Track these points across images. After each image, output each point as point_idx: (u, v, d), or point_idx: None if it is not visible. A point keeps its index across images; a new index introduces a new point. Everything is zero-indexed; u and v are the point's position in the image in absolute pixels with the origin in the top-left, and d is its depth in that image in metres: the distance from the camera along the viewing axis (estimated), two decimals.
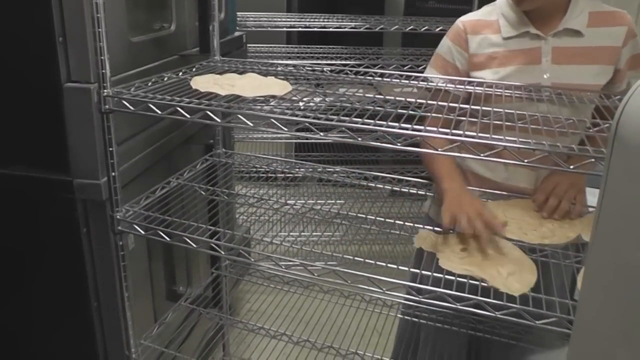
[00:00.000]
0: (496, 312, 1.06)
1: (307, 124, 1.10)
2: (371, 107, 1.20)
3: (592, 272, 0.66)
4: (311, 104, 1.24)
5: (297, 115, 1.13)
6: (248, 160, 1.92)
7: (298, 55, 3.35)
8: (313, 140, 3.44)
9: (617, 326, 0.62)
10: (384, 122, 1.06)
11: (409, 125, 1.06)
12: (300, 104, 1.25)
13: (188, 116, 1.19)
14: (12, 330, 1.75)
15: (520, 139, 1.01)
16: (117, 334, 1.62)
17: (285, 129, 1.12)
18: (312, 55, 3.33)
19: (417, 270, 1.19)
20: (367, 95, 1.31)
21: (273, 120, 1.12)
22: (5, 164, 1.51)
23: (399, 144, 1.05)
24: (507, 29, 1.50)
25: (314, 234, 1.75)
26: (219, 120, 1.18)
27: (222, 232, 1.39)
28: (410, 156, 3.22)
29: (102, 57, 1.24)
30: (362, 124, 1.07)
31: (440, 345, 1.73)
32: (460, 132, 1.03)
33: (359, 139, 1.06)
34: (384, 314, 1.90)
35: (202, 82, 1.39)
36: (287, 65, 1.67)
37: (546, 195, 1.44)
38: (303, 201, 1.57)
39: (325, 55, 3.32)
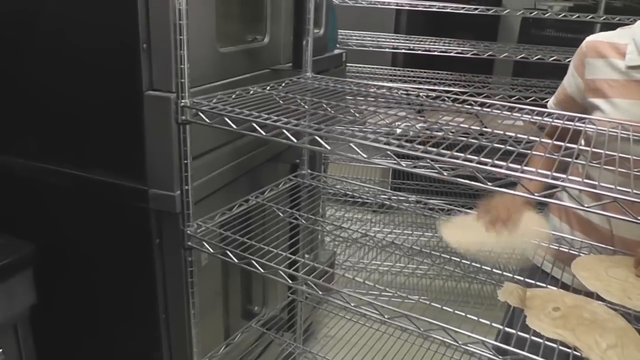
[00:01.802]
0: None
1: (389, 152, 1.00)
2: (464, 139, 1.08)
3: None
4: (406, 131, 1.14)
5: (379, 142, 1.03)
6: (334, 184, 1.84)
7: (400, 78, 3.27)
8: (409, 169, 3.33)
9: None
10: (476, 157, 0.95)
11: (503, 164, 0.94)
12: (398, 130, 1.15)
13: (263, 133, 1.12)
14: (82, 335, 1.75)
15: (635, 191, 0.86)
16: (184, 349, 1.58)
17: (365, 156, 1.02)
18: (414, 79, 3.23)
19: (499, 326, 1.05)
20: (461, 125, 1.19)
21: (352, 145, 1.03)
22: (86, 166, 1.51)
23: (489, 184, 0.92)
24: (634, 56, 1.32)
25: (398, 264, 1.64)
26: (294, 140, 1.10)
27: (301, 263, 1.31)
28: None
29: (182, 66, 1.20)
30: (451, 157, 0.95)
31: None
32: (563, 175, 0.90)
33: (445, 173, 0.95)
34: None
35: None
36: (381, 86, 1.58)
37: None
38: (389, 230, 1.47)
39: (428, 80, 3.22)
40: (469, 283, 2.90)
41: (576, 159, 1.03)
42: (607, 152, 1.07)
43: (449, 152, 0.97)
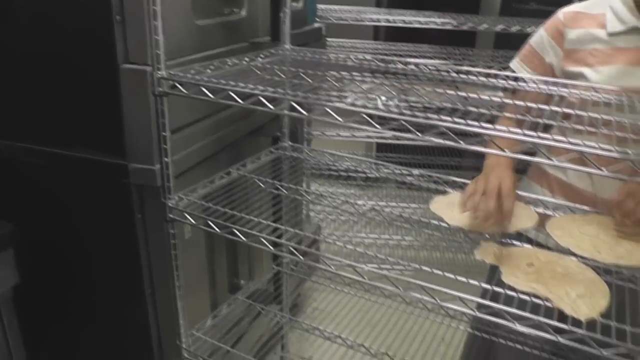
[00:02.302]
0: (558, 336, 0.94)
1: (365, 115, 1.01)
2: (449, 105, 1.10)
3: None
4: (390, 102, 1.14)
5: (355, 106, 1.05)
6: (315, 156, 1.85)
7: (381, 51, 3.26)
8: (393, 141, 3.35)
9: None
10: (449, 118, 0.96)
11: (476, 123, 0.95)
12: (379, 103, 1.16)
13: (241, 102, 1.13)
14: (68, 313, 1.76)
15: (601, 145, 0.88)
16: (171, 323, 1.60)
17: (341, 120, 1.03)
18: (396, 52, 3.23)
19: (475, 283, 1.08)
20: (437, 90, 1.20)
21: (328, 109, 1.04)
22: (64, 144, 1.51)
23: (462, 143, 0.94)
24: (614, 23, 1.35)
25: (383, 236, 1.66)
26: (271, 107, 1.10)
27: (284, 230, 1.32)
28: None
29: (157, 37, 1.20)
30: (424, 117, 0.97)
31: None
32: (533, 132, 0.92)
33: (419, 134, 0.96)
34: (452, 326, 1.79)
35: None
36: (360, 57, 1.58)
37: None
38: (373, 202, 1.48)
39: (409, 53, 3.21)
40: (453, 253, 2.96)
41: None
42: (577, 112, 1.09)
43: (423, 113, 0.98)
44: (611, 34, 1.35)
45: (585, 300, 1.02)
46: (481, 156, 1.37)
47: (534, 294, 1.04)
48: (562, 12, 1.45)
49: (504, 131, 0.92)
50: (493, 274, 1.18)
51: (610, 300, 1.03)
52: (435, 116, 0.98)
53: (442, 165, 3.37)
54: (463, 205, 1.29)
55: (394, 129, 1.01)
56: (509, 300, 1.02)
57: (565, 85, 1.32)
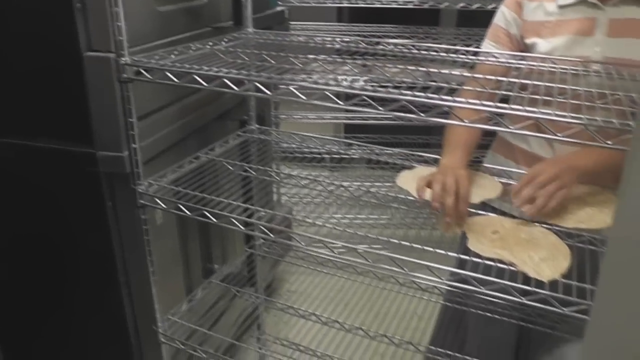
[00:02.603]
0: (522, 298, 0.98)
1: (327, 93, 1.03)
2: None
3: (615, 249, 0.58)
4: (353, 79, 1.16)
5: (318, 84, 1.06)
6: (283, 137, 1.86)
7: (345, 33, 3.27)
8: (360, 122, 3.37)
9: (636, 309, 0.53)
10: (410, 92, 0.99)
11: (436, 96, 0.98)
12: (344, 82, 1.18)
13: (205, 84, 1.14)
14: (42, 304, 1.76)
15: (557, 112, 0.92)
16: (146, 309, 1.61)
17: (304, 98, 1.05)
18: (359, 33, 3.24)
19: (442, 251, 1.11)
20: (398, 66, 1.23)
21: (292, 89, 1.06)
22: (30, 135, 1.50)
23: (423, 115, 0.97)
24: None
25: (348, 215, 1.68)
26: (235, 88, 1.12)
27: (254, 210, 1.34)
28: None
29: (119, 24, 1.21)
30: (386, 92, 0.99)
31: (486, 333, 1.65)
32: (491, 102, 0.95)
33: (381, 108, 0.99)
34: (424, 298, 1.83)
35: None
36: (323, 38, 1.60)
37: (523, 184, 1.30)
38: (348, 183, 1.50)
39: (373, 33, 3.23)
40: (423, 229, 2.99)
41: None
42: (534, 82, 1.12)
43: (384, 89, 1.01)
44: (561, 6, 1.40)
45: (548, 263, 1.07)
46: None
47: (499, 260, 1.07)
48: None
49: (462, 102, 0.95)
50: (463, 245, 1.22)
51: (571, 261, 1.08)
52: (396, 90, 1.00)
53: (410, 144, 3.40)
54: (421, 190, 1.31)
55: (356, 104, 1.03)
56: (475, 267, 1.06)
57: (523, 58, 1.36)
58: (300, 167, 2.80)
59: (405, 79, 1.11)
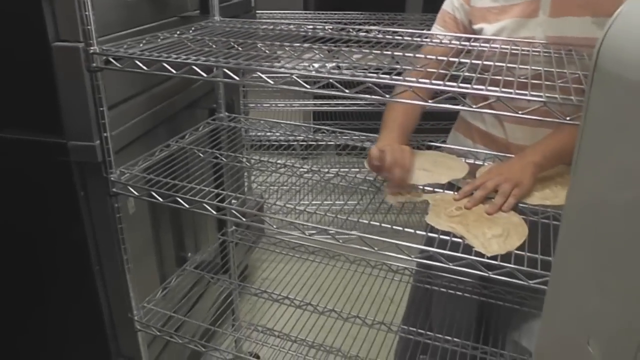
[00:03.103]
0: (489, 272, 1.02)
1: (294, 78, 1.06)
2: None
3: (570, 213, 0.61)
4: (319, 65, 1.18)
5: (286, 68, 1.09)
6: (252, 125, 1.88)
7: (311, 20, 3.29)
8: (327, 108, 3.40)
9: (591, 273, 0.57)
10: (375, 74, 1.02)
11: (399, 77, 1.01)
12: (309, 66, 1.20)
13: (174, 71, 1.16)
14: (17, 296, 1.76)
15: (517, 91, 0.95)
16: (121, 297, 1.62)
17: (272, 82, 1.08)
18: (326, 21, 3.26)
19: (399, 228, 1.14)
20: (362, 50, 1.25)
21: (260, 74, 1.08)
22: None
23: (387, 96, 1.00)
24: None
25: (338, 202, 1.70)
26: (204, 75, 1.14)
27: (225, 194, 1.36)
28: (427, 124, 3.16)
29: (87, 13, 1.21)
30: (351, 75, 1.02)
31: (450, 310, 1.70)
32: (454, 83, 0.98)
33: (387, 96, 1.02)
34: (389, 279, 1.87)
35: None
36: (289, 25, 1.62)
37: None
38: (311, 167, 1.52)
39: (339, 20, 3.25)
40: (407, 215, 3.04)
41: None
42: (496, 63, 1.16)
43: (349, 71, 1.04)
44: None
45: (499, 239, 1.10)
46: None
47: (453, 234, 1.11)
48: None
49: (426, 83, 0.98)
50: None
51: (525, 242, 1.10)
52: (361, 73, 1.03)
53: (377, 129, 3.44)
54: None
55: (322, 88, 1.06)
56: (442, 245, 1.09)
57: (471, 40, 1.41)
58: (269, 155, 2.82)
59: (370, 63, 1.14)
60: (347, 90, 1.02)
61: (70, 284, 1.66)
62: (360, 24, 3.10)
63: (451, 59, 1.15)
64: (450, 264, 1.05)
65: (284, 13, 3.41)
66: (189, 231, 2.12)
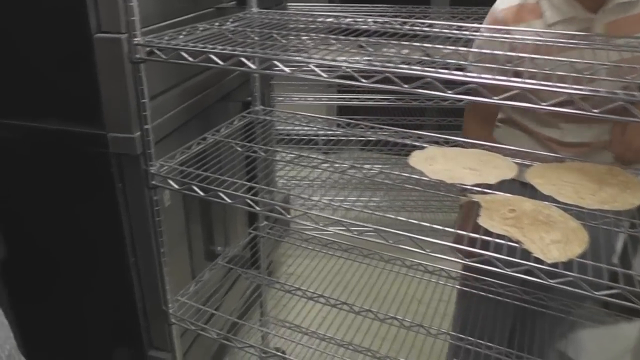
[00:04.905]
0: (550, 280, 0.97)
1: (348, 71, 1.02)
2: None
3: None
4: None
5: (337, 61, 1.06)
6: (287, 118, 1.85)
7: (340, 14, 3.25)
8: (356, 103, 3.36)
9: None
10: (433, 69, 0.98)
11: (460, 72, 0.97)
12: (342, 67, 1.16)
13: (221, 63, 1.13)
14: (54, 285, 1.75)
15: (589, 87, 0.90)
16: (155, 290, 1.61)
17: (326, 75, 1.04)
18: (355, 13, 3.22)
19: (451, 230, 1.10)
20: (412, 56, 1.21)
21: (312, 66, 1.05)
22: (40, 117, 1.49)
23: (449, 92, 0.96)
24: (551, 13, 1.38)
25: (354, 198, 1.66)
26: (253, 66, 1.11)
27: (259, 188, 1.33)
28: (455, 122, 3.12)
29: (131, 4, 1.18)
30: (408, 69, 0.99)
31: (484, 314, 1.65)
32: (519, 79, 0.94)
33: (405, 85, 0.98)
34: (424, 279, 1.82)
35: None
36: (327, 18, 1.59)
37: None
38: (345, 163, 1.48)
39: (368, 14, 3.21)
40: (445, 213, 2.99)
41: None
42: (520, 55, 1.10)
43: (406, 65, 1.00)
44: (550, 25, 1.38)
45: (559, 246, 1.03)
46: (442, 115, 1.41)
47: (508, 238, 1.05)
48: (500, 10, 1.46)
49: (489, 79, 0.94)
50: (462, 219, 1.20)
51: (586, 249, 1.03)
52: (418, 67, 0.99)
53: (405, 125, 3.39)
54: None
55: (377, 82, 1.02)
56: (485, 246, 1.04)
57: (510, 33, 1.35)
58: (293, 149, 2.80)
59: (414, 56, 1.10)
60: (364, 81, 0.98)
61: (105, 275, 1.66)
62: (391, 17, 3.07)
63: (521, 55, 1.10)
64: (508, 270, 1.00)
65: (312, 5, 3.37)
66: (219, 225, 2.11)
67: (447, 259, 1.11)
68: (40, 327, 1.81)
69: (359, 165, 1.41)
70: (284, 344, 2.00)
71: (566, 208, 1.17)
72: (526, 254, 1.01)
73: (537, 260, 0.99)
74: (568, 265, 0.98)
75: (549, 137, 1.48)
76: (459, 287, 1.75)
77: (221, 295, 2.06)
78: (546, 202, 1.20)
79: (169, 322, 1.55)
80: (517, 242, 1.04)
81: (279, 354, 2.04)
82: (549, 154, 1.44)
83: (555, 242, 1.05)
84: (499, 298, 1.62)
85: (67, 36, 1.38)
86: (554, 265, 0.98)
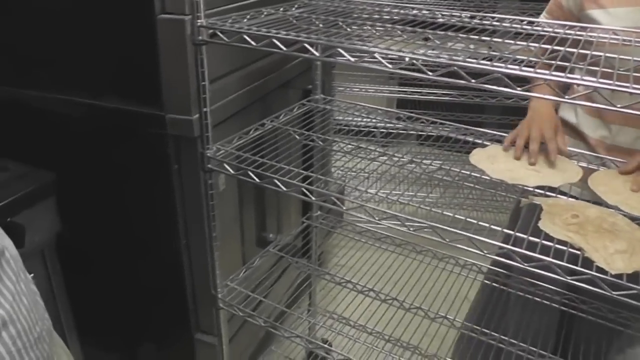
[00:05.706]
0: (613, 292, 0.92)
1: (414, 62, 0.99)
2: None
3: None
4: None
5: (405, 52, 1.02)
6: (347, 108, 1.82)
7: (406, 5, 3.19)
8: (417, 97, 3.31)
9: None
10: (502, 65, 0.94)
11: (531, 68, 0.93)
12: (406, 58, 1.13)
13: (284, 48, 1.11)
14: (106, 262, 1.78)
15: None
16: (205, 274, 1.61)
17: (390, 66, 1.01)
18: (421, 6, 3.16)
19: (510, 232, 1.06)
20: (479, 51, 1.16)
21: (377, 56, 1.02)
22: (100, 95, 1.50)
23: (518, 89, 0.92)
24: None
25: (411, 194, 1.62)
26: (317, 53, 1.09)
27: (314, 177, 1.31)
28: (516, 120, 3.03)
29: None
30: (477, 63, 0.95)
31: (527, 318, 1.59)
32: (593, 77, 0.89)
33: (473, 81, 0.94)
34: (478, 280, 1.78)
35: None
36: (394, 9, 1.55)
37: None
38: (403, 157, 1.44)
39: (436, 6, 3.15)
40: (503, 214, 2.93)
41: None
42: (593, 52, 1.04)
43: (474, 60, 0.96)
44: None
45: (624, 256, 0.97)
46: (504, 113, 1.36)
47: (570, 244, 1.00)
48: None
49: (560, 77, 0.89)
50: (516, 220, 1.15)
51: None
52: (487, 62, 0.95)
53: (465, 122, 3.32)
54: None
55: (443, 76, 0.98)
56: (545, 250, 1.00)
57: (583, 29, 1.26)
58: (351, 140, 2.77)
59: (493, 53, 1.05)
60: (430, 73, 0.95)
61: (157, 256, 1.67)
62: (460, 9, 3.00)
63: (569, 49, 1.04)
64: (569, 278, 0.96)
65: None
66: (272, 212, 2.10)
67: (503, 261, 1.06)
68: (90, 303, 1.84)
69: (418, 160, 1.38)
70: (330, 335, 1.98)
71: (633, 217, 1.11)
72: (587, 262, 0.96)
73: (599, 270, 0.94)
74: (632, 276, 0.93)
75: (597, 139, 1.42)
76: (494, 284, 1.70)
77: (270, 282, 2.05)
78: (612, 210, 1.14)
79: (217, 306, 1.55)
80: (579, 249, 0.99)
81: (325, 345, 2.03)
82: (607, 156, 1.38)
83: (620, 252, 0.99)
84: (546, 303, 1.57)
85: (131, 16, 1.39)
86: (618, 276, 0.92)
